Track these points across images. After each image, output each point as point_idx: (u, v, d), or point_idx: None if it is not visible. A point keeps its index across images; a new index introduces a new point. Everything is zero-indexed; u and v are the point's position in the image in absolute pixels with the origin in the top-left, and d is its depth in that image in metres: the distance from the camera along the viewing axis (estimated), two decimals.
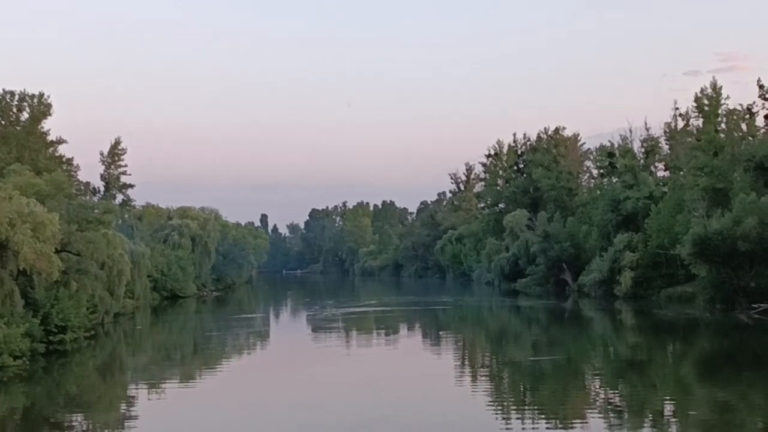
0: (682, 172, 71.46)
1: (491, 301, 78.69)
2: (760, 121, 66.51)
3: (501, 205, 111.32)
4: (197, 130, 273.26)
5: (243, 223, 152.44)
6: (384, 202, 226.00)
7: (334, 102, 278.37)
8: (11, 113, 70.69)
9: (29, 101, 70.55)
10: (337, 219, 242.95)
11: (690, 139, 71.44)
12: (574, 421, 21.42)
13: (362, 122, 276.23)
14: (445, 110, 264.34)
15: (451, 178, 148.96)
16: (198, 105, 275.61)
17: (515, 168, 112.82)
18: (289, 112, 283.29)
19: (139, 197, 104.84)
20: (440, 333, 49.14)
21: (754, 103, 66.36)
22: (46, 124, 71.10)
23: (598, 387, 28.32)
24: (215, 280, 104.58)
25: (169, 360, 38.72)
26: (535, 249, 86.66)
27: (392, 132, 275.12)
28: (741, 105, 67.63)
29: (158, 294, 79.14)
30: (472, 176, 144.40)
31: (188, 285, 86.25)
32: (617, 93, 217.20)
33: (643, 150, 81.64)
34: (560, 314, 62.32)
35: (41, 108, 70.64)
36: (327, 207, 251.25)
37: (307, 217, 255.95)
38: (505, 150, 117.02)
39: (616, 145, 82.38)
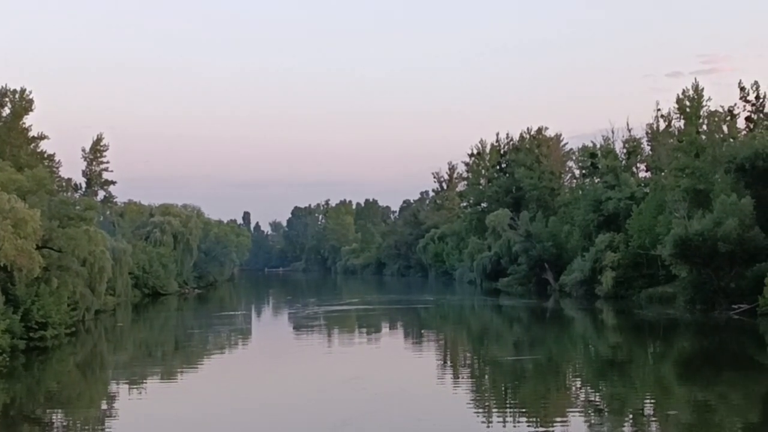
0: (663, 173, 71.95)
1: (473, 300, 78.84)
2: (741, 122, 67.10)
3: (483, 205, 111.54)
4: (180, 126, 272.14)
5: (225, 221, 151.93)
6: (367, 201, 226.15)
7: (318, 98, 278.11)
8: None
9: (11, 97, 69.99)
10: (320, 217, 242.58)
11: (672, 140, 71.92)
12: (555, 420, 21.56)
13: (346, 120, 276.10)
14: (429, 109, 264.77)
15: (434, 177, 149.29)
16: (181, 101, 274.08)
17: (498, 167, 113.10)
18: (273, 108, 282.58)
19: (120, 194, 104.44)
20: (422, 332, 49.26)
21: (735, 104, 66.94)
22: (28, 120, 70.57)
23: (579, 386, 28.48)
24: (197, 277, 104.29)
25: (150, 357, 38.60)
26: (517, 248, 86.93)
27: (376, 130, 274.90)
28: (722, 107, 68.18)
29: (139, 291, 78.79)
30: (455, 175, 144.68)
31: (170, 282, 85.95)
32: (599, 93, 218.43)
33: (625, 151, 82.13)
34: (542, 314, 62.58)
35: (23, 104, 70.09)
36: (310, 205, 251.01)
37: (290, 215, 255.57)
38: (487, 149, 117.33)
39: (598, 146, 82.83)
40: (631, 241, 65.16)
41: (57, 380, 31.05)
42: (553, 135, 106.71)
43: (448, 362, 35.41)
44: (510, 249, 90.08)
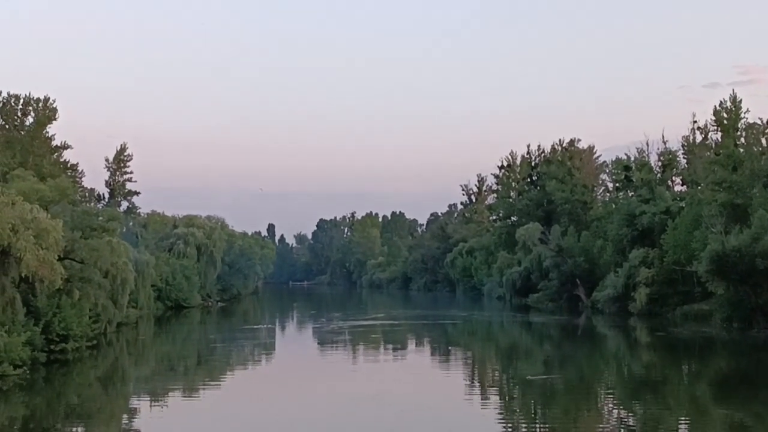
0: (699, 187, 71.24)
1: (502, 316, 78.53)
2: None
3: (513, 218, 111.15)
4: (205, 136, 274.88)
5: (250, 233, 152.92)
6: (393, 213, 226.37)
7: (346, 107, 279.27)
8: (16, 117, 71.17)
9: (34, 105, 71.01)
10: (346, 229, 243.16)
11: (708, 153, 71.25)
12: None
13: (373, 130, 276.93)
14: (457, 120, 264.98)
15: (463, 190, 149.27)
16: (206, 111, 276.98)
17: (528, 180, 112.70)
18: (299, 118, 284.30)
19: (144, 204, 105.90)
20: (449, 348, 49.03)
21: None
22: (51, 129, 71.61)
23: (611, 407, 28.16)
24: (220, 290, 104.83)
25: (173, 371, 38.74)
26: (548, 263, 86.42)
27: (403, 141, 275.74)
28: (761, 119, 67.42)
29: (162, 304, 79.28)
30: (484, 188, 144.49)
31: (193, 295, 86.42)
32: (634, 105, 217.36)
33: (660, 164, 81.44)
34: (573, 331, 62.09)
35: (46, 112, 71.10)
36: (335, 217, 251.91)
37: (315, 227, 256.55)
38: (518, 161, 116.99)
39: (632, 158, 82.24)
40: (666, 257, 64.49)
41: (77, 394, 31.24)
42: (585, 147, 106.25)
43: (476, 380, 35.18)
44: (541, 264, 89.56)
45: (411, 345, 52.04)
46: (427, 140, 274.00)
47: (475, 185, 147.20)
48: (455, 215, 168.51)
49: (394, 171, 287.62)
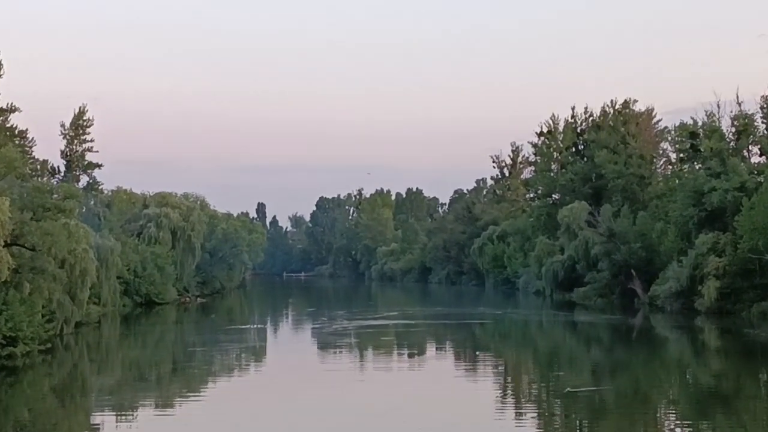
0: None
1: (541, 315, 78.58)
2: None
3: (555, 196, 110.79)
4: (180, 99, 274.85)
5: (235, 214, 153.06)
6: (409, 191, 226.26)
7: (350, 67, 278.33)
8: None
9: None
10: (351, 210, 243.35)
11: None
12: None
13: (383, 91, 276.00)
14: (488, 77, 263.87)
15: (494, 162, 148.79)
16: (181, 69, 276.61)
17: (573, 150, 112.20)
18: (293, 77, 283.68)
19: (108, 180, 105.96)
20: (477, 354, 49.03)
21: None
22: None
23: (673, 425, 28.10)
24: (200, 283, 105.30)
25: (143, 381, 38.89)
26: (596, 251, 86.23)
27: (420, 103, 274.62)
28: None
29: (130, 299, 79.59)
30: (520, 159, 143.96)
31: (167, 289, 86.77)
32: (702, 59, 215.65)
33: (733, 130, 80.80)
34: (627, 333, 62.00)
35: None
36: (339, 195, 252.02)
37: (314, 208, 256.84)
38: (560, 127, 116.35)
39: (699, 123, 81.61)
40: (741, 243, 64.14)
41: (28, 408, 31.38)
42: (643, 109, 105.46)
43: (509, 392, 35.16)
44: (588, 252, 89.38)
45: (430, 350, 52.09)
46: (450, 102, 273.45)
47: (509, 156, 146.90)
48: (484, 193, 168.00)
49: (409, 139, 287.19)
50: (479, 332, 62.44)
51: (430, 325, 68.00)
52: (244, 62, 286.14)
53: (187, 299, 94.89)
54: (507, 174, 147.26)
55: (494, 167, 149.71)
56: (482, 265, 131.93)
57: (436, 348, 53.41)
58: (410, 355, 49.05)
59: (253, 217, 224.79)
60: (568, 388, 32.89)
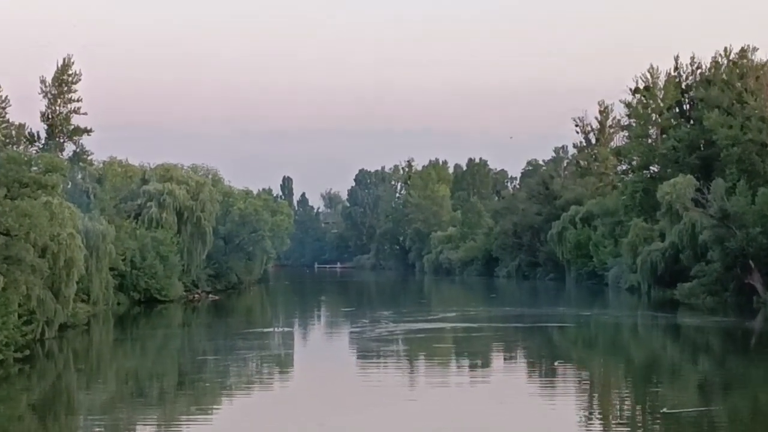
0: None
1: (636, 317, 78.25)
2: None
3: (653, 168, 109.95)
4: (188, 49, 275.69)
5: (255, 191, 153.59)
6: (471, 162, 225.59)
7: (396, 15, 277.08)
8: None
9: None
10: (399, 186, 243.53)
11: None
12: None
13: (438, 40, 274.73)
14: (569, 21, 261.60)
15: (576, 126, 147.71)
16: (189, 10, 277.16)
17: (677, 111, 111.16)
18: (323, 23, 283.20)
19: (99, 149, 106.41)
20: (555, 365, 48.76)
21: None
22: None
23: None
24: (212, 276, 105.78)
25: (142, 397, 39.10)
26: (705, 237, 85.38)
27: (486, 53, 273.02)
28: None
29: (126, 296, 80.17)
30: (609, 123, 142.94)
31: (171, 283, 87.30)
32: None
33: None
34: (744, 339, 61.41)
35: None
36: (383, 167, 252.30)
37: (353, 183, 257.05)
38: (661, 82, 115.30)
39: None
40: None
41: (3, 429, 31.65)
42: (765, 60, 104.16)
43: (596, 413, 35.05)
44: (695, 238, 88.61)
45: (497, 360, 51.93)
46: (523, 51, 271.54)
47: (595, 119, 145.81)
48: (565, 164, 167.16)
49: (472, 97, 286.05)
50: (558, 338, 62.26)
51: (497, 329, 67.82)
52: (264, 5, 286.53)
53: (197, 296, 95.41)
54: (593, 141, 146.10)
55: (577, 132, 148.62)
56: (562, 254, 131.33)
57: (505, 358, 53.21)
58: (472, 367, 48.88)
59: (277, 195, 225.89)
60: (665, 409, 32.63)
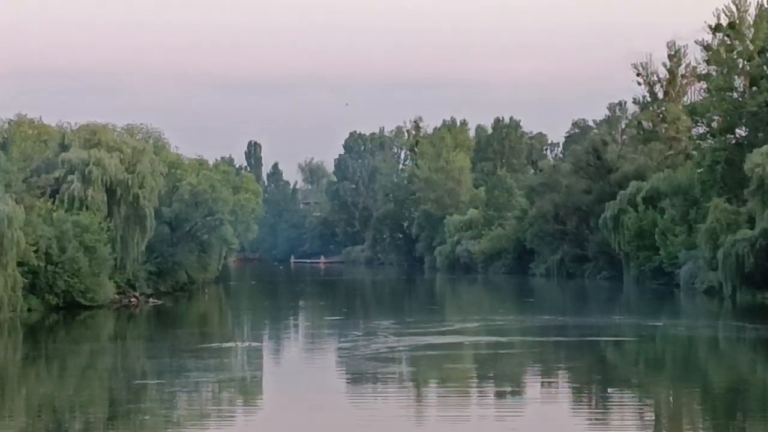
0: None
1: (717, 329, 78.52)
2: None
3: (740, 132, 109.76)
4: None
5: (212, 161, 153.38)
6: (498, 122, 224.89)
7: None
8: None
9: None
10: (402, 154, 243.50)
11: None
12: None
13: None
14: None
15: (638, 74, 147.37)
16: None
17: None
18: None
19: (3, 105, 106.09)
20: (608, 393, 48.89)
21: None
22: None
23: None
24: (154, 274, 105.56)
25: None
26: None
27: None
28: None
29: (40, 300, 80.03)
30: (682, 71, 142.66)
31: (101, 283, 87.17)
32: None
33: None
34: None
35: None
36: (381, 129, 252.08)
37: (341, 151, 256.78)
38: (751, 17, 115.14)
39: None
40: None
41: None
42: None
43: None
44: None
45: (532, 386, 51.84)
46: None
47: (664, 66, 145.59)
48: (623, 126, 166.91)
49: (498, 40, 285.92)
50: (613, 356, 62.65)
51: (533, 344, 67.80)
52: None
53: (133, 300, 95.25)
54: (660, 95, 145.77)
55: (639, 84, 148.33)
56: (619, 245, 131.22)
57: (543, 383, 53.13)
58: (499, 395, 48.82)
59: (241, 167, 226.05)
60: None
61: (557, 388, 51.99)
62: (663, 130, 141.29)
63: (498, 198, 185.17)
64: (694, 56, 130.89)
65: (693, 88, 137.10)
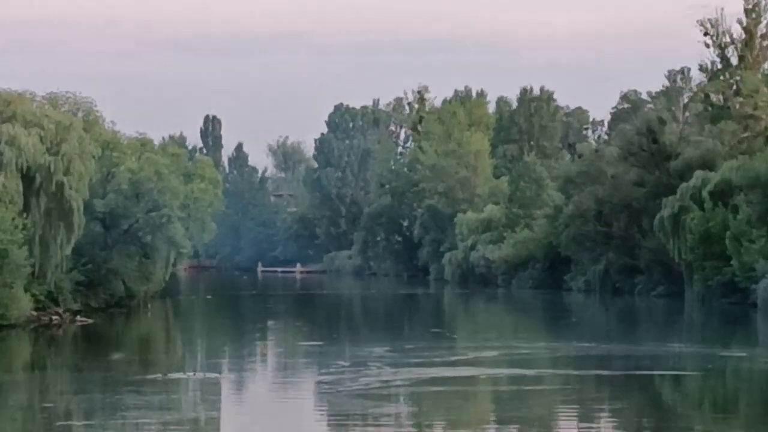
0: None
1: None
2: None
3: None
4: None
5: (158, 141, 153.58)
6: (525, 94, 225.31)
7: None
8: None
9: None
10: (402, 133, 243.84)
11: None
12: None
13: None
14: None
15: (705, 34, 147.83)
16: None
17: None
18: None
19: None
20: None
21: None
22: None
23: None
24: (82, 285, 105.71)
25: None
26: None
27: None
28: None
29: None
30: (761, 27, 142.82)
31: (13, 296, 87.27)
32: None
33: None
34: None
35: None
36: (375, 102, 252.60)
37: (324, 129, 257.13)
38: None
39: None
40: None
41: None
42: None
43: None
44: None
45: None
46: None
47: (738, 22, 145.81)
48: (684, 101, 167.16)
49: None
50: (671, 396, 62.95)
51: (567, 379, 68.22)
52: None
53: (56, 318, 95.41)
54: (733, 60, 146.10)
55: (707, 46, 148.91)
56: (679, 253, 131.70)
57: (580, 427, 53.24)
58: None
59: (194, 147, 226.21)
60: None
61: None
62: (737, 106, 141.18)
63: (524, 191, 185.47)
64: None
65: None
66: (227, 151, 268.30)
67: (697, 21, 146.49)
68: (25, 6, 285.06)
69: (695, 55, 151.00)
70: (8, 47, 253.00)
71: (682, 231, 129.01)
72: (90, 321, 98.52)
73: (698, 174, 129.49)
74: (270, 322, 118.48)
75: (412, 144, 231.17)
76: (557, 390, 63.93)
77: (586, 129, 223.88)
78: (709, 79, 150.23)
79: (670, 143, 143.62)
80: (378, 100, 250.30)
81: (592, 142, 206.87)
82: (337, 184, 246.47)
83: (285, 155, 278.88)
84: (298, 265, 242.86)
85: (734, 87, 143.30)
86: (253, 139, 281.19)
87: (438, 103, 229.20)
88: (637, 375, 68.27)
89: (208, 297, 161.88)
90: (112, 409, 54.17)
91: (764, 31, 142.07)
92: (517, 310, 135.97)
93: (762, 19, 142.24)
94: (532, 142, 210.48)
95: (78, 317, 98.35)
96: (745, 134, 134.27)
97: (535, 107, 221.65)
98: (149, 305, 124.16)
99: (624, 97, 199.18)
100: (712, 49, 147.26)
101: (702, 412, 59.02)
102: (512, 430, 52.35)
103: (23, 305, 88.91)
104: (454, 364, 73.73)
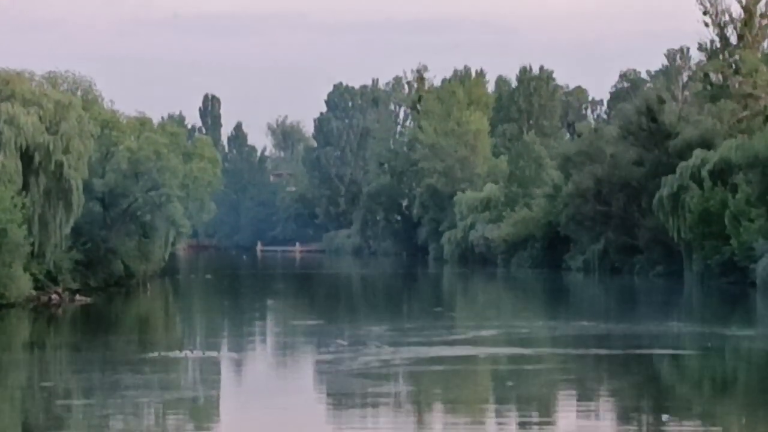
0: None
1: None
2: None
3: None
4: None
5: (157, 120, 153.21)
6: (525, 72, 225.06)
7: None
8: None
9: None
10: (401, 112, 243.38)
11: None
12: None
13: None
14: None
15: (705, 13, 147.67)
16: None
17: None
18: None
19: None
20: (663, 421, 48.90)
21: None
22: None
23: None
24: (82, 264, 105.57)
25: None
26: None
27: None
28: None
29: None
30: (761, 6, 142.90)
31: (12, 275, 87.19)
32: None
33: None
34: None
35: None
36: (375, 81, 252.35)
37: (323, 109, 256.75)
38: None
39: None
40: None
41: None
42: None
43: None
44: None
45: (566, 412, 51.82)
46: None
47: (738, 1, 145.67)
48: (684, 80, 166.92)
49: None
50: (670, 375, 63.07)
51: (566, 358, 68.23)
52: None
53: (55, 297, 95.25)
54: (733, 40, 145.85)
55: (706, 25, 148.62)
56: (678, 232, 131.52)
57: (579, 408, 53.05)
58: (524, 426, 48.97)
59: (193, 127, 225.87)
60: None
61: (597, 414, 51.93)
62: (736, 85, 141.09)
63: (524, 170, 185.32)
64: None
65: None
66: (226, 131, 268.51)
67: (697, 0, 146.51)
68: None
69: (694, 34, 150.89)
70: (7, 26, 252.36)
71: (681, 210, 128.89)
72: (89, 300, 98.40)
73: (697, 153, 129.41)
74: (269, 302, 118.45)
75: (412, 123, 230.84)
76: (556, 369, 63.90)
77: (586, 108, 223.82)
78: (709, 59, 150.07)
79: (670, 122, 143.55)
80: (377, 79, 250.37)
81: (592, 121, 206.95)
82: (337, 163, 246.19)
83: (284, 134, 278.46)
84: (298, 244, 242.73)
85: (733, 66, 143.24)
86: (253, 118, 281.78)
87: (437, 82, 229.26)
88: (636, 354, 68.18)
89: (208, 276, 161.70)
90: (111, 388, 54.04)
91: (763, 10, 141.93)
92: (516, 290, 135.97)
93: None
94: (531, 121, 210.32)
95: (77, 296, 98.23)
96: (745, 113, 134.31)
97: (535, 86, 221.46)
98: (148, 285, 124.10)
99: (623, 76, 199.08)
100: (711, 28, 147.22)
101: (701, 390, 58.91)
102: (510, 409, 52.26)
103: (22, 284, 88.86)
104: (453, 343, 73.63)
